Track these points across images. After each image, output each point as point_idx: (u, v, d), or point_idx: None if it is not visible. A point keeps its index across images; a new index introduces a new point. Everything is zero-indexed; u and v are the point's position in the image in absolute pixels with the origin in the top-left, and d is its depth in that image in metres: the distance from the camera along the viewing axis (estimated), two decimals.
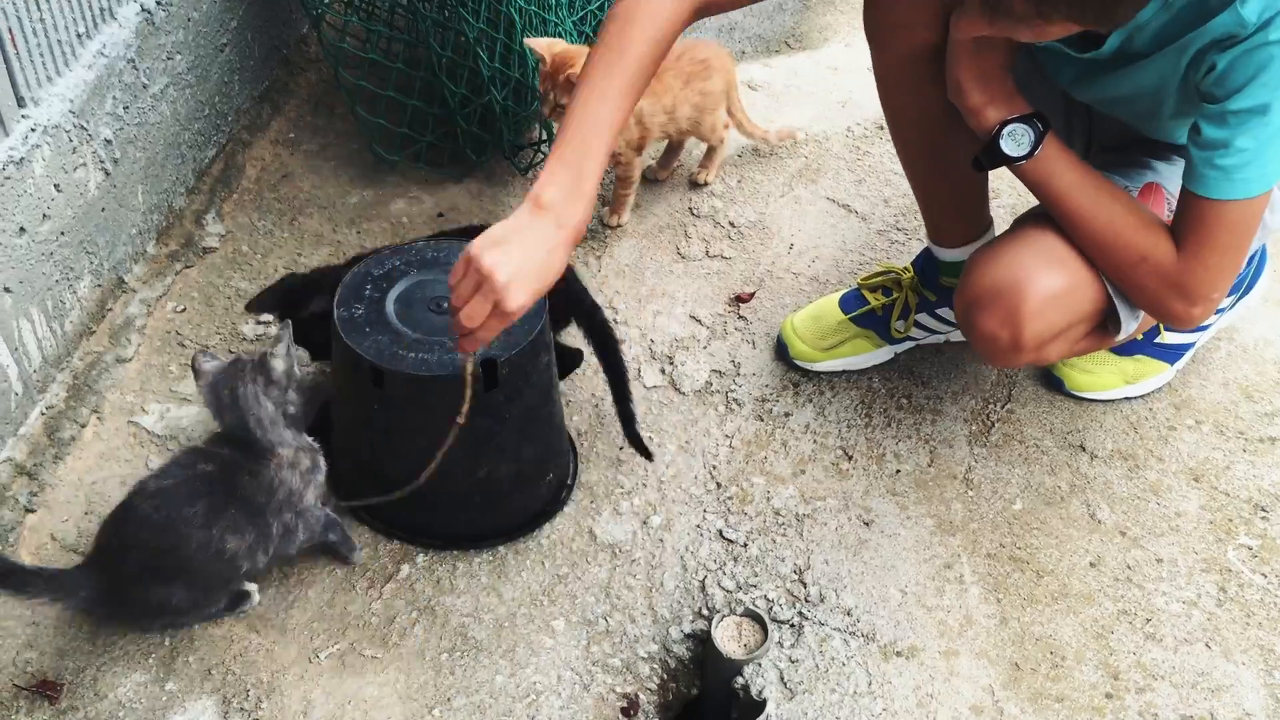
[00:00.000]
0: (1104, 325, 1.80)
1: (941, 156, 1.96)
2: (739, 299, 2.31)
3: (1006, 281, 1.74)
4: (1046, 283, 1.73)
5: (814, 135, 2.70)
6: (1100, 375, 2.13)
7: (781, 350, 2.18)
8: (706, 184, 2.53)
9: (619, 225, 2.44)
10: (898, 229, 2.47)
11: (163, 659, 1.71)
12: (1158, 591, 1.87)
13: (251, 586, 1.77)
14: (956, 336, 2.20)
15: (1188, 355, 2.17)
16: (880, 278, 2.18)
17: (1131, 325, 1.78)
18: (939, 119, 1.85)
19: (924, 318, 2.14)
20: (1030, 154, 1.70)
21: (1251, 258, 2.10)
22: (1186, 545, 1.94)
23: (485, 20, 2.35)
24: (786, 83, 2.86)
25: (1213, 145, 1.57)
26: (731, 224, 2.47)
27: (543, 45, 2.21)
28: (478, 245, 1.46)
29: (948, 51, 1.73)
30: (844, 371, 2.16)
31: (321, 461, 1.76)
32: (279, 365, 1.69)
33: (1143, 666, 1.78)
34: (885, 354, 2.17)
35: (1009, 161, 1.71)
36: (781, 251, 2.42)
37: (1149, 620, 1.83)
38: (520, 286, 1.45)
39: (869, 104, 2.79)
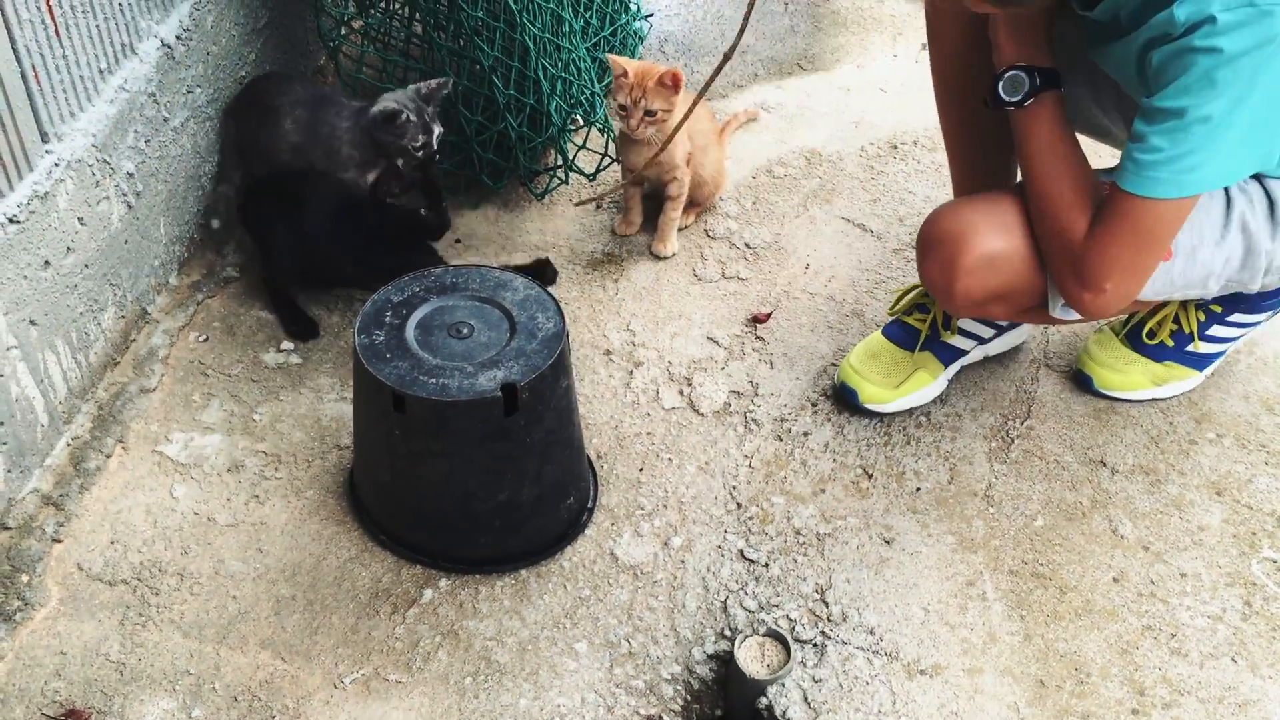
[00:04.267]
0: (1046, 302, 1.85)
1: (975, 107, 1.96)
2: (756, 319, 2.32)
3: (951, 233, 1.83)
4: (984, 244, 1.80)
5: (828, 156, 2.71)
6: (1129, 375, 2.14)
7: (847, 396, 2.13)
8: (685, 226, 2.51)
9: (671, 255, 2.44)
10: (913, 247, 2.48)
11: (190, 686, 1.72)
12: (1182, 606, 1.86)
13: None
14: (997, 347, 2.20)
15: (1217, 362, 2.17)
16: (908, 299, 2.18)
17: (1062, 308, 1.82)
18: (977, 62, 1.89)
19: (966, 322, 2.14)
20: (1018, 103, 1.76)
21: None
22: (1210, 559, 1.93)
23: (500, 48, 2.38)
24: (800, 104, 2.88)
25: (1136, 138, 1.62)
26: (747, 245, 2.48)
27: (622, 60, 2.27)
28: None
29: None
30: (910, 410, 2.14)
31: None
32: None
33: (1169, 682, 1.77)
34: (940, 385, 2.16)
35: (1002, 104, 1.77)
36: (797, 272, 2.43)
37: (1174, 635, 1.83)
38: None
39: (882, 124, 2.81)
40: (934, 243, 1.85)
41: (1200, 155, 1.59)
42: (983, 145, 2.06)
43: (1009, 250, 1.81)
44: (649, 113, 2.26)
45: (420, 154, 2.29)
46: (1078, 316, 1.84)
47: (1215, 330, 2.10)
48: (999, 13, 1.75)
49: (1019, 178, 2.05)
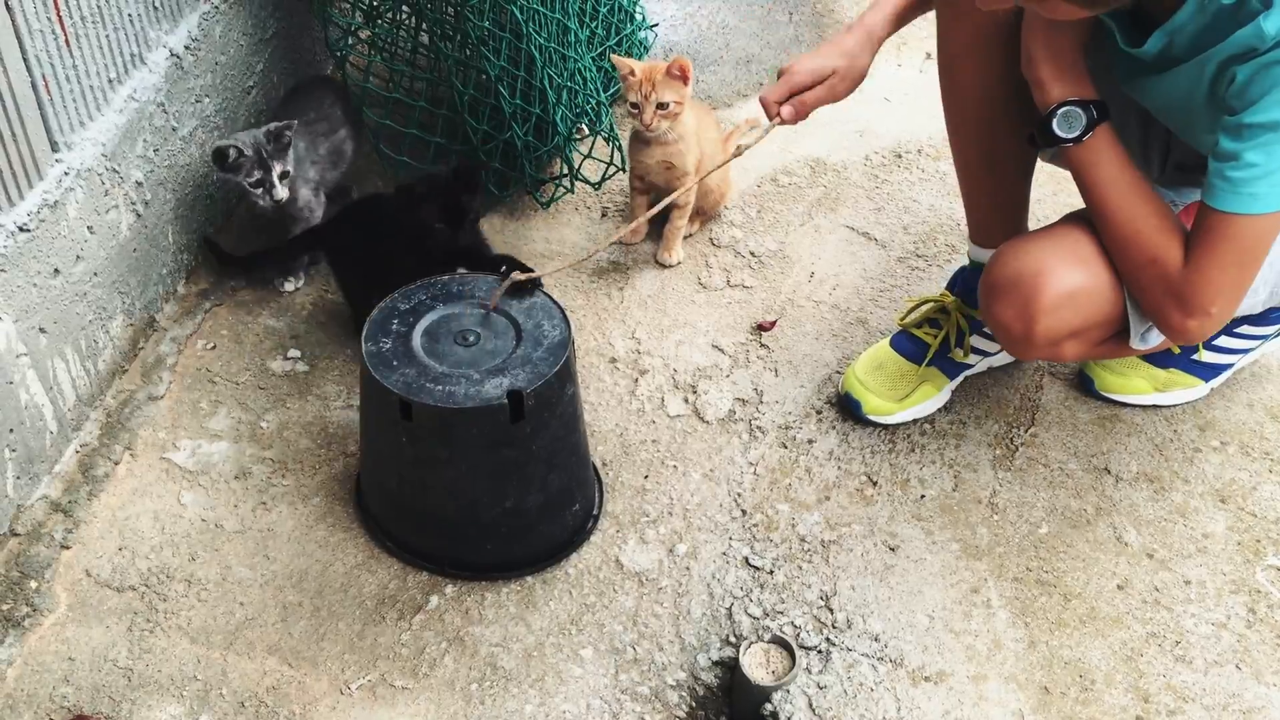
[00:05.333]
0: (1123, 333, 1.81)
1: (994, 144, 1.97)
2: (761, 327, 2.33)
3: (1026, 273, 1.77)
4: (1064, 280, 1.75)
5: (832, 164, 2.72)
6: (1131, 379, 2.14)
7: (851, 407, 2.13)
8: (690, 235, 2.52)
9: (677, 263, 2.45)
10: (918, 255, 2.49)
11: (197, 692, 1.73)
12: (1186, 613, 1.87)
13: None
14: (1002, 359, 2.20)
15: (1225, 375, 2.17)
16: (920, 311, 2.18)
17: (1149, 335, 1.79)
18: (997, 102, 1.88)
19: (976, 340, 2.13)
20: (1078, 139, 1.72)
21: None
22: (1214, 567, 1.93)
23: (506, 58, 2.39)
24: None
25: (1225, 157, 1.59)
26: (752, 253, 2.49)
27: (628, 60, 2.29)
28: (791, 62, 1.92)
29: (1024, 23, 1.75)
30: (914, 421, 2.14)
31: None
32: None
33: (1173, 689, 1.77)
34: (944, 396, 2.16)
35: (1059, 142, 1.73)
36: (802, 280, 2.44)
37: (1178, 642, 1.83)
38: (804, 62, 1.90)
39: (886, 133, 2.82)
40: (1006, 285, 1.78)
41: None
42: (1003, 182, 2.04)
43: (1089, 284, 1.75)
44: (661, 105, 2.27)
45: (260, 192, 2.20)
46: (1157, 344, 1.81)
47: (1222, 340, 2.10)
48: (1040, 40, 1.74)
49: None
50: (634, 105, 2.28)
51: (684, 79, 2.26)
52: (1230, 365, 2.15)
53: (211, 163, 2.20)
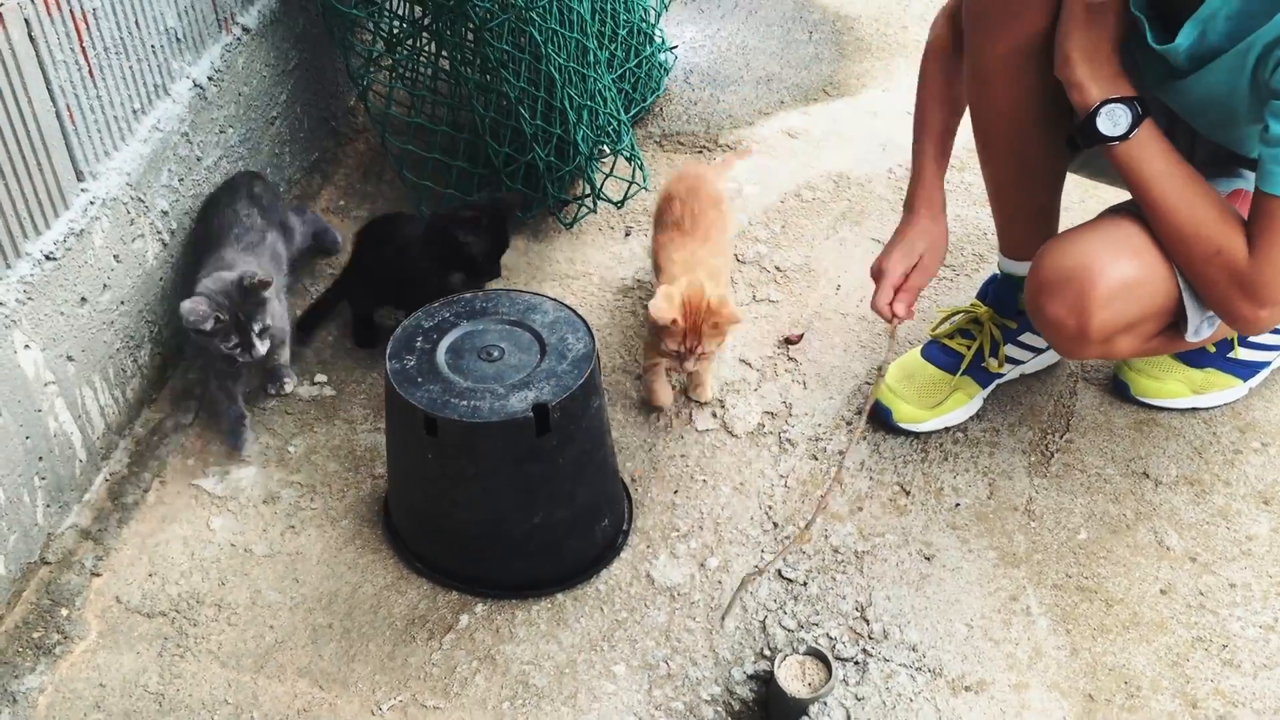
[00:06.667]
0: (1176, 325, 1.77)
1: (1026, 157, 1.95)
2: (788, 341, 2.31)
3: (1078, 267, 1.73)
4: (1118, 272, 1.71)
5: (856, 179, 2.71)
6: (1166, 383, 2.10)
7: (882, 415, 2.10)
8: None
9: (710, 400, 2.19)
10: (945, 266, 2.46)
11: (228, 716, 1.71)
12: (1233, 617, 1.82)
13: None
14: (1034, 366, 2.17)
15: (1263, 374, 2.13)
16: (952, 322, 2.15)
17: (1201, 328, 1.75)
18: (1030, 115, 1.86)
19: (1010, 349, 2.11)
20: (1125, 135, 1.69)
21: None
22: (1260, 569, 1.89)
23: (526, 80, 2.40)
24: (826, 129, 2.88)
25: (1277, 141, 1.56)
26: (777, 268, 2.48)
27: (666, 303, 1.96)
28: (878, 260, 1.94)
29: (1060, 24, 1.73)
30: (945, 429, 2.12)
31: None
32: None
33: (1221, 694, 1.73)
34: (976, 404, 2.13)
35: (1103, 140, 1.70)
36: (829, 293, 2.42)
37: (1225, 646, 1.78)
38: (893, 259, 1.91)
39: (909, 146, 2.79)
40: (1058, 281, 1.74)
41: None
42: (1035, 193, 2.01)
43: (1143, 275, 1.72)
44: (705, 353, 2.02)
45: (239, 353, 1.99)
46: (1209, 336, 1.78)
47: (1258, 336, 2.07)
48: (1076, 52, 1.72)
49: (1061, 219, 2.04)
50: (676, 354, 2.01)
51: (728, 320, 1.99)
52: (1268, 363, 2.11)
53: (185, 325, 1.95)
